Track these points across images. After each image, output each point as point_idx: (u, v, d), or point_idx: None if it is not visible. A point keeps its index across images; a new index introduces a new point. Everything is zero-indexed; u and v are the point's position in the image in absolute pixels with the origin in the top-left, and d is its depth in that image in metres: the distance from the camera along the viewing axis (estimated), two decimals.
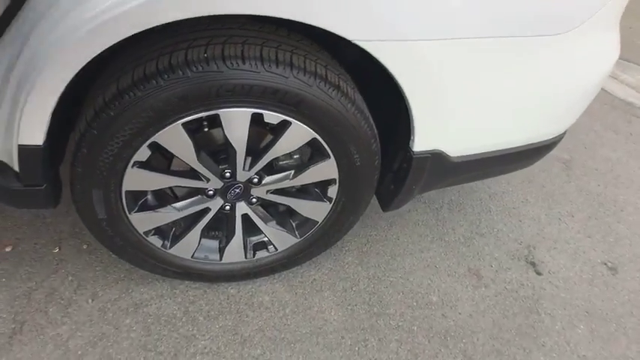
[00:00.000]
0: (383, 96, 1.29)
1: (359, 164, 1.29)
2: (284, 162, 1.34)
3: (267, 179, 1.31)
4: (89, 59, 0.98)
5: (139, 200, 1.29)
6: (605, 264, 1.92)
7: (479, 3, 1.07)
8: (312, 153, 1.31)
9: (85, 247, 1.60)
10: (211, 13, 0.97)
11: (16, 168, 1.14)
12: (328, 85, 1.13)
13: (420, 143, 1.28)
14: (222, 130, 1.15)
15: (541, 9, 1.14)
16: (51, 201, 1.24)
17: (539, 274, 1.83)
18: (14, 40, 1.03)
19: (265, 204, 1.42)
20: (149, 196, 1.32)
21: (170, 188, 1.35)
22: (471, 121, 1.29)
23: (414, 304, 1.64)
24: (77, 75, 1.02)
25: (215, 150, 1.25)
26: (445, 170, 1.37)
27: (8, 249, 1.55)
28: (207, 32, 1.08)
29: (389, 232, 1.87)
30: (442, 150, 1.31)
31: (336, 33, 1.02)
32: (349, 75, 1.26)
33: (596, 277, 1.86)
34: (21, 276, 1.49)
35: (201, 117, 1.12)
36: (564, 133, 1.55)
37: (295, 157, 1.35)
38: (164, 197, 1.35)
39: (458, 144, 1.33)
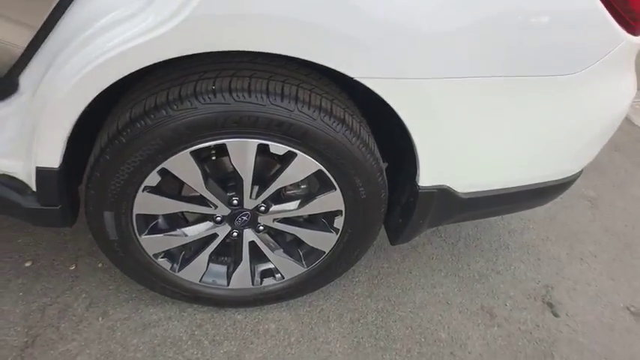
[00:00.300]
0: (391, 129, 1.30)
1: (364, 197, 1.30)
2: (291, 191, 1.36)
3: (274, 208, 1.33)
4: (101, 90, 1.04)
5: (150, 223, 1.34)
6: (628, 309, 1.84)
7: (486, 42, 1.07)
8: (319, 184, 1.33)
9: (100, 265, 1.65)
10: (215, 49, 1.01)
11: (34, 188, 1.20)
12: (333, 119, 1.16)
13: (426, 178, 1.28)
14: (229, 159, 1.19)
15: (551, 49, 1.14)
16: (67, 220, 1.30)
17: (556, 315, 1.77)
18: (38, 67, 1.10)
19: (272, 232, 1.44)
20: (160, 220, 1.36)
21: (181, 212, 1.39)
22: (478, 159, 1.29)
23: (422, 340, 1.61)
24: (101, 101, 1.08)
25: (223, 177, 1.28)
26: (453, 206, 1.36)
27: (28, 264, 1.62)
28: (217, 65, 1.13)
29: (401, 265, 1.86)
30: (449, 186, 1.31)
31: (338, 70, 1.05)
32: (359, 108, 1.28)
33: (618, 322, 1.78)
34: (37, 291, 1.55)
35: (209, 146, 1.16)
36: (580, 172, 1.52)
37: (302, 187, 1.37)
38: (175, 221, 1.39)
39: (465, 180, 1.32)
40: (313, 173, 1.25)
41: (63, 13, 1.05)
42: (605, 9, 1.12)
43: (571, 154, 1.40)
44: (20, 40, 1.19)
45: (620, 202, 2.44)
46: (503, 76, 1.14)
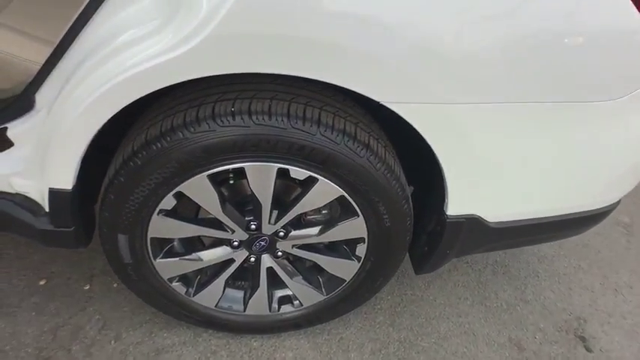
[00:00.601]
0: (419, 153, 1.24)
1: (389, 225, 1.23)
2: (312, 217, 1.31)
3: (294, 234, 1.27)
4: (116, 112, 1.00)
5: (165, 247, 1.29)
6: None
7: (519, 66, 1.00)
8: (341, 210, 1.27)
9: (115, 285, 1.61)
10: (234, 72, 0.96)
11: (47, 209, 1.17)
12: (357, 144, 1.10)
13: (455, 207, 1.20)
14: (248, 183, 1.14)
15: (591, 73, 1.06)
16: (80, 242, 1.26)
17: (589, 350, 1.67)
18: (54, 86, 1.07)
19: (291, 258, 1.38)
20: (175, 243, 1.32)
21: (198, 236, 1.34)
22: (510, 188, 1.21)
23: None
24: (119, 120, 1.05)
25: (241, 201, 1.23)
26: (482, 236, 1.29)
27: (42, 282, 1.59)
28: (237, 86, 1.08)
29: (425, 292, 1.77)
30: (479, 215, 1.23)
31: (364, 94, 0.99)
32: (385, 131, 1.22)
33: None
34: (50, 311, 1.52)
35: (227, 169, 1.11)
36: (618, 201, 1.43)
37: (324, 212, 1.31)
38: (191, 244, 1.34)
39: (496, 210, 1.25)
40: (335, 199, 1.19)
41: (80, 30, 1.01)
42: None
43: (610, 184, 1.32)
44: (39, 57, 1.17)
45: None
46: (538, 102, 1.06)
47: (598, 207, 1.36)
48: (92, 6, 0.99)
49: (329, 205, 1.28)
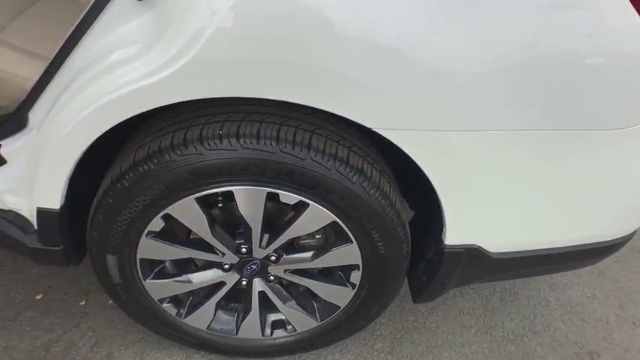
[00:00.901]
0: (416, 179, 1.19)
1: (383, 252, 1.18)
2: (305, 241, 1.27)
3: (286, 258, 1.24)
4: (103, 132, 0.99)
5: (155, 267, 1.27)
6: None
7: (517, 93, 0.95)
8: (334, 235, 1.23)
9: (110, 302, 1.59)
10: (219, 96, 0.94)
11: (36, 227, 1.16)
12: (349, 169, 1.06)
13: (453, 236, 1.15)
14: (236, 206, 1.11)
15: (598, 100, 1.00)
16: (71, 261, 1.25)
17: None
18: (46, 104, 1.07)
19: (284, 282, 1.34)
20: (167, 264, 1.29)
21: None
22: (513, 218, 1.15)
23: None
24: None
25: (231, 224, 1.20)
26: (483, 266, 1.23)
27: (39, 297, 1.59)
28: (228, 107, 1.06)
29: (428, 319, 1.71)
30: (479, 245, 1.18)
31: (354, 120, 0.95)
32: (381, 155, 1.18)
33: None
34: (44, 326, 1.51)
35: (216, 192, 1.08)
36: (633, 233, 1.35)
37: (318, 237, 1.27)
38: (183, 266, 1.32)
39: (497, 240, 1.19)
40: (328, 224, 1.15)
41: (71, 50, 1.01)
42: None
43: (622, 215, 1.25)
44: (36, 75, 1.16)
45: None
46: (540, 130, 1.01)
47: (610, 238, 1.29)
48: (83, 26, 0.98)
49: (323, 230, 1.24)
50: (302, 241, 1.27)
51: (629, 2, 0.90)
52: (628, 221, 1.28)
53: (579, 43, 0.93)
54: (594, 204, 1.19)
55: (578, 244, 1.27)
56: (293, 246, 1.26)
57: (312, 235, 1.26)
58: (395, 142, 0.98)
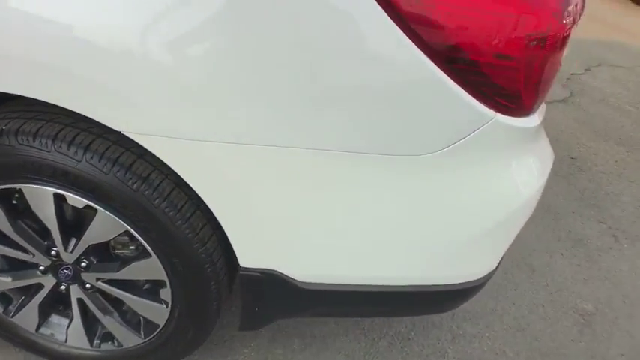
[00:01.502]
0: None
1: (181, 269, 1.13)
2: (120, 251, 1.23)
3: (94, 266, 1.20)
4: None
5: None
6: None
7: (275, 106, 0.90)
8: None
9: None
10: None
11: None
12: (131, 176, 1.03)
13: (246, 258, 1.09)
14: (30, 205, 1.10)
15: (379, 123, 0.93)
16: None
17: None
18: None
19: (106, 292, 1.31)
20: None
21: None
22: (312, 244, 1.08)
23: None
24: None
25: (35, 223, 1.19)
26: (292, 296, 1.15)
27: None
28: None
29: (299, 356, 1.61)
30: (280, 271, 1.10)
31: (103, 122, 0.93)
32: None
33: None
34: None
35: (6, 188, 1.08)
36: (483, 279, 1.22)
37: (132, 247, 1.23)
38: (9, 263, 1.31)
39: (301, 267, 1.11)
40: (124, 234, 1.11)
41: None
42: (449, 78, 0.89)
43: (447, 256, 1.13)
44: None
45: (625, 324, 1.98)
46: (324, 150, 0.94)
47: (444, 283, 1.18)
48: None
49: (137, 241, 1.20)
50: (117, 251, 1.24)
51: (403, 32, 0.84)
52: (462, 264, 1.16)
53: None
54: (413, 240, 1.09)
55: (408, 285, 1.16)
56: (108, 254, 1.23)
57: (125, 244, 1.22)
58: (148, 148, 0.94)
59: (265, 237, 1.06)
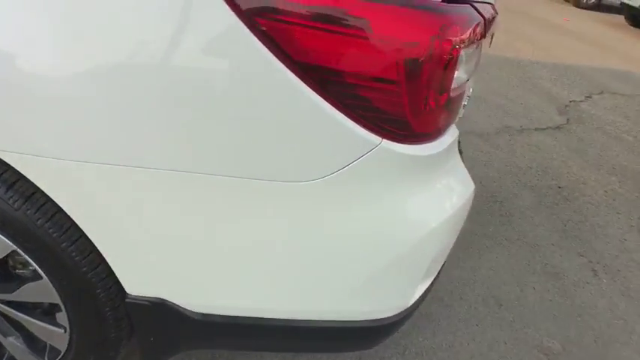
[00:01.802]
0: None
1: (70, 291, 1.08)
2: (21, 271, 1.19)
3: None
4: None
5: None
6: None
7: (137, 125, 0.85)
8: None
9: None
10: None
11: None
12: (12, 194, 0.99)
13: (132, 285, 1.03)
14: None
15: (246, 146, 0.88)
16: None
17: None
18: None
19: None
20: None
21: None
22: (197, 272, 1.02)
23: None
24: None
25: None
26: (186, 327, 1.08)
27: None
28: None
29: None
30: (170, 300, 1.04)
31: None
32: None
33: None
34: None
35: None
36: (398, 317, 1.14)
37: (31, 268, 1.18)
38: None
39: (194, 297, 1.05)
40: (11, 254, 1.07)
41: None
42: (325, 101, 0.84)
43: (347, 290, 1.05)
44: None
45: None
46: (194, 173, 0.89)
47: (348, 319, 1.10)
48: None
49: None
50: (17, 271, 1.19)
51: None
52: (362, 300, 1.08)
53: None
54: (303, 271, 1.02)
55: (310, 320, 1.09)
56: (6, 274, 1.19)
57: (26, 265, 1.18)
58: (12, 165, 0.90)
59: (149, 263, 1.00)
